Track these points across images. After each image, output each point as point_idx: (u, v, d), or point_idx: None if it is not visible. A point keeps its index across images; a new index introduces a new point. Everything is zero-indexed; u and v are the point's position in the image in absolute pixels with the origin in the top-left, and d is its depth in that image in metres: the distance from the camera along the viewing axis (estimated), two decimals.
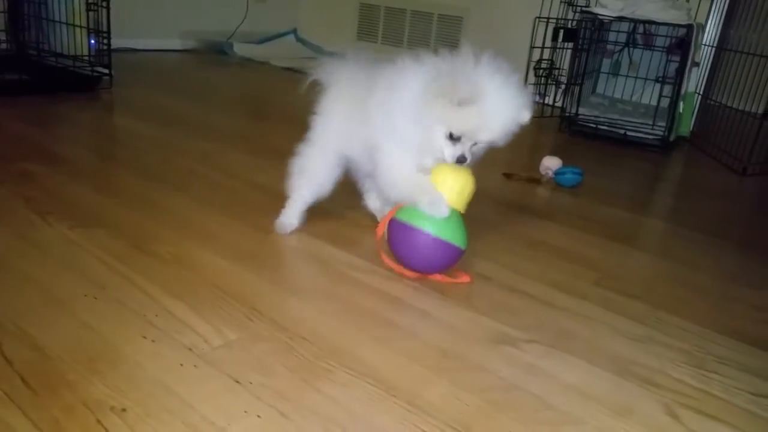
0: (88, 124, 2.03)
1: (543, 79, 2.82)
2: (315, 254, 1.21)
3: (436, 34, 3.74)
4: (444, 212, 1.09)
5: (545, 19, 2.66)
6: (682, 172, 2.31)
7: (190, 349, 0.85)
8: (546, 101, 2.85)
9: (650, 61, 2.77)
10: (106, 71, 2.44)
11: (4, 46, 2.66)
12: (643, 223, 1.64)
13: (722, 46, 2.58)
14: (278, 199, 1.30)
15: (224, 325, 0.92)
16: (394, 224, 1.15)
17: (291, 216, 1.30)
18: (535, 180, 1.86)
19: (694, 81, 2.58)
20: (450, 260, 1.14)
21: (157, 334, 0.88)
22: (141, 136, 1.93)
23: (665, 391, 0.88)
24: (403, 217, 1.13)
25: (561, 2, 2.74)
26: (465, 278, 1.16)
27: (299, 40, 4.34)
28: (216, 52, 3.86)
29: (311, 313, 0.99)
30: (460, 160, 1.09)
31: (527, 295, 1.13)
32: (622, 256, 1.38)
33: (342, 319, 0.98)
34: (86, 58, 2.45)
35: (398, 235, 1.14)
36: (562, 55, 2.80)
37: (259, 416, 0.74)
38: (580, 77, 2.56)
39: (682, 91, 2.43)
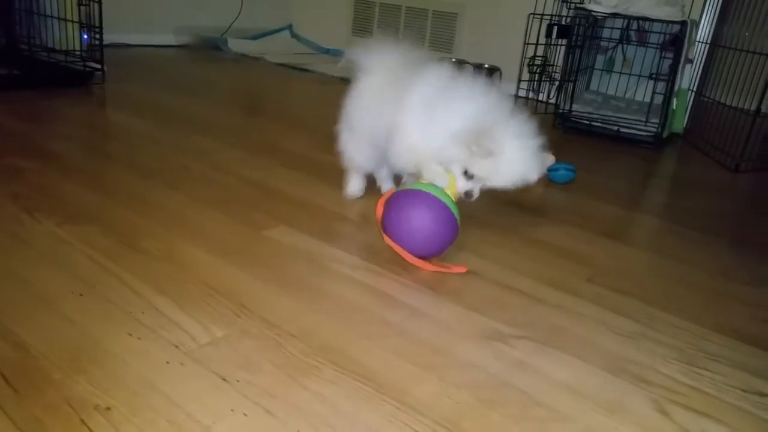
0: (80, 120, 2.01)
1: (537, 75, 2.81)
2: (305, 251, 1.20)
3: (431, 30, 3.73)
4: (445, 182, 1.20)
5: (539, 16, 2.66)
6: (675, 168, 2.31)
7: (176, 347, 0.84)
8: (540, 98, 2.84)
9: (644, 57, 2.77)
10: (99, 66, 2.43)
11: None
12: (635, 219, 1.64)
13: (716, 42, 2.58)
14: (270, 195, 1.29)
15: (212, 323, 0.91)
16: (395, 194, 1.21)
17: (355, 184, 1.50)
18: None
19: (688, 78, 2.58)
20: (448, 227, 1.16)
21: (144, 332, 0.87)
22: (133, 132, 1.92)
23: (656, 388, 0.88)
24: (406, 187, 1.22)
25: None
26: (460, 269, 1.17)
27: (294, 36, 4.32)
28: (210, 47, 3.84)
29: (300, 309, 0.98)
30: (468, 195, 1.21)
31: (518, 291, 1.13)
32: (614, 253, 1.37)
33: (331, 316, 0.97)
34: (78, 53, 2.43)
35: (401, 199, 1.18)
36: (556, 52, 2.79)
37: (245, 414, 0.73)
38: (574, 74, 2.56)
39: (676, 88, 2.43)
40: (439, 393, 0.81)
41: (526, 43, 2.67)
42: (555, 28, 2.64)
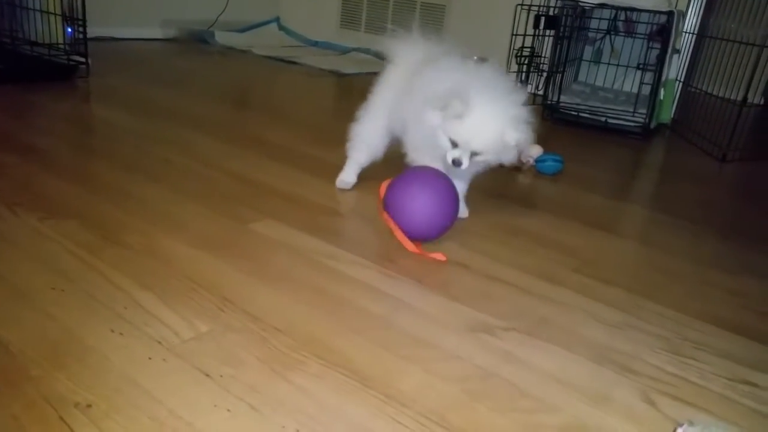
0: (63, 114, 1.99)
1: (525, 67, 2.80)
2: (290, 244, 1.19)
3: (419, 22, 3.71)
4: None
5: (527, 7, 2.64)
6: (662, 158, 2.31)
7: (159, 342, 0.83)
8: (528, 89, 2.83)
9: (632, 48, 2.77)
10: (83, 60, 2.40)
11: None
12: (623, 209, 1.64)
13: (703, 33, 2.58)
14: (255, 188, 1.28)
15: (195, 317, 0.90)
16: (405, 172, 1.25)
17: (349, 174, 1.52)
18: (516, 167, 1.85)
19: (675, 68, 2.59)
20: (451, 201, 1.20)
21: (125, 327, 0.86)
22: (117, 126, 1.90)
23: (642, 378, 0.88)
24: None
25: None
26: (440, 256, 1.18)
27: (282, 28, 4.29)
28: (197, 40, 3.80)
29: (285, 303, 0.97)
30: (456, 163, 1.22)
31: (505, 282, 1.12)
32: (601, 243, 1.37)
33: (316, 309, 0.96)
34: (62, 46, 2.40)
35: (410, 175, 1.23)
36: (543, 43, 2.78)
37: (228, 410, 0.72)
38: (562, 65, 2.56)
39: (663, 78, 2.43)
40: (426, 385, 0.81)
41: (513, 35, 2.66)
42: (543, 19, 2.63)
